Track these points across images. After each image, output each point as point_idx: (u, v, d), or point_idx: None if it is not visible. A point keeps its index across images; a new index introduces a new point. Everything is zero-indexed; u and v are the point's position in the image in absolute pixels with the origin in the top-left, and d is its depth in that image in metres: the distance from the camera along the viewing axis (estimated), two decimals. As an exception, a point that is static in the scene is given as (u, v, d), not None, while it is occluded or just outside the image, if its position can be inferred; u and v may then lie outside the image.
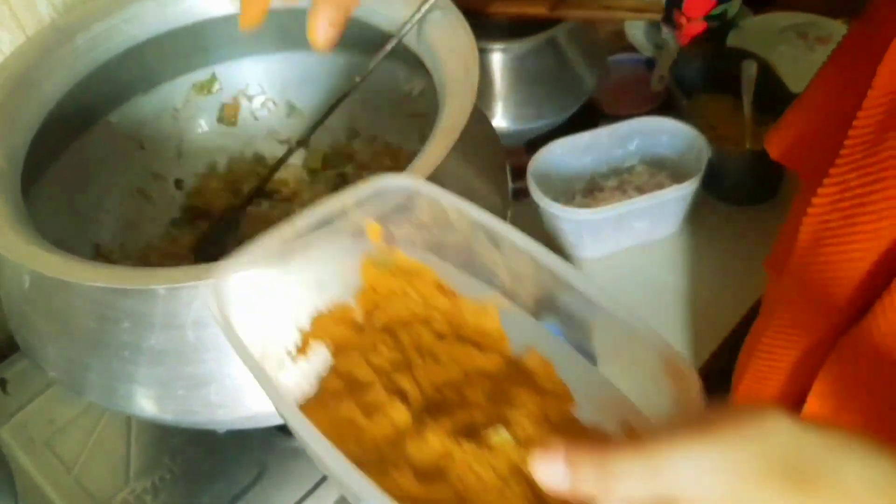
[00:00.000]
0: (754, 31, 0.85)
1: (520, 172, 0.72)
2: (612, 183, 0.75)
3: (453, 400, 0.34)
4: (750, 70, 0.78)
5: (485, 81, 0.72)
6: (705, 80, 0.81)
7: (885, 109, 0.39)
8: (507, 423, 0.31)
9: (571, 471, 0.25)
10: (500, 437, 0.31)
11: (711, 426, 0.25)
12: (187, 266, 0.41)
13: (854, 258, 0.41)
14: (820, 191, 0.42)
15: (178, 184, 0.65)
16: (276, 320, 0.36)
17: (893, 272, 0.39)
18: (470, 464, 0.30)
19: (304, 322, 0.37)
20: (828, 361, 0.45)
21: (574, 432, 0.33)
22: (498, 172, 0.52)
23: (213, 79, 0.65)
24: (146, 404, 0.43)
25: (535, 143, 0.75)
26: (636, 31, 0.89)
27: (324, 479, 0.51)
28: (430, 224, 0.38)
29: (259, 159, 0.67)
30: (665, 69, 0.81)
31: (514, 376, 0.35)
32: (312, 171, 0.67)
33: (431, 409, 0.34)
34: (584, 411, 0.33)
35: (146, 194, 0.64)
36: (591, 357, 0.34)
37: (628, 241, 0.74)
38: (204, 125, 0.66)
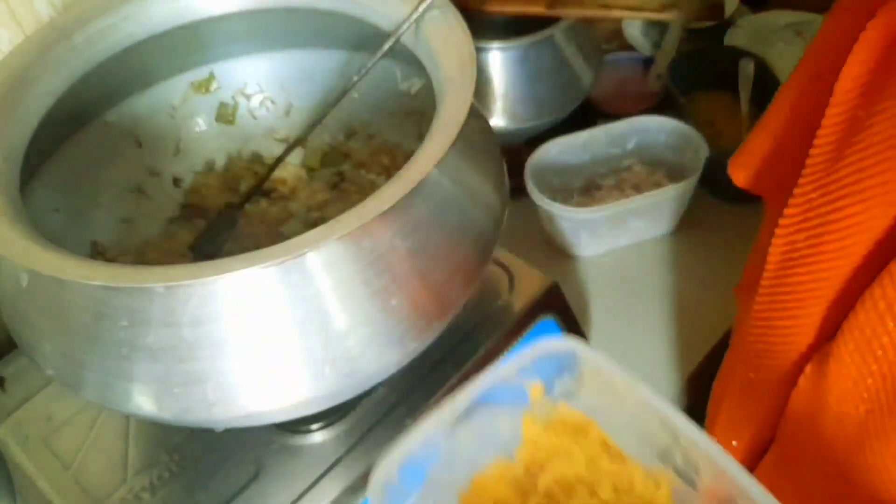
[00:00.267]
0: (752, 30, 0.85)
1: (518, 170, 0.72)
2: (609, 181, 0.76)
3: None
4: (747, 68, 0.78)
5: (483, 80, 0.73)
6: (703, 78, 0.81)
7: (843, 127, 0.39)
8: None
9: None
10: None
11: None
12: (185, 264, 0.41)
13: (822, 278, 0.41)
14: (786, 211, 0.42)
15: (176, 181, 0.65)
16: (434, 489, 0.37)
17: (861, 291, 0.38)
18: None
19: (465, 485, 0.37)
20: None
21: None
22: (496, 170, 0.52)
23: (212, 77, 0.65)
24: (143, 402, 0.43)
25: (534, 141, 0.75)
26: (634, 30, 0.89)
27: (322, 476, 0.51)
28: (595, 385, 0.39)
29: (257, 158, 0.67)
30: (662, 68, 0.81)
31: None
32: (310, 170, 0.67)
33: None
34: None
35: (143, 192, 0.63)
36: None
37: (626, 239, 0.74)
38: (202, 123, 0.66)
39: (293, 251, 0.40)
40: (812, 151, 0.40)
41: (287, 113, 0.67)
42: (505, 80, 0.74)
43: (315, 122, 0.59)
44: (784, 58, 0.84)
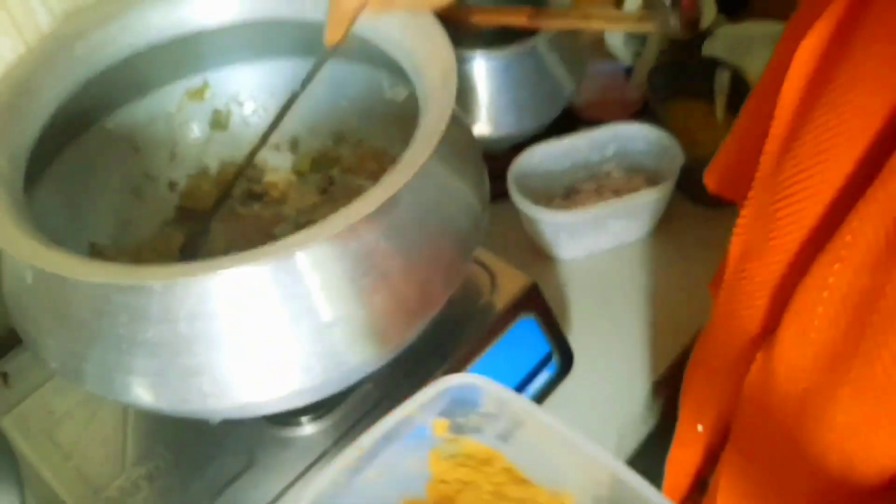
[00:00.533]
0: (728, 40, 0.88)
1: (502, 175, 0.75)
2: (590, 186, 0.78)
3: None
4: (723, 78, 0.81)
5: (468, 88, 0.75)
6: (681, 87, 0.84)
7: (784, 136, 0.42)
8: None
9: None
10: None
11: None
12: (181, 263, 0.44)
13: (771, 270, 0.44)
14: (741, 212, 0.46)
15: (171, 185, 0.67)
16: None
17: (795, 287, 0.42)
18: None
19: None
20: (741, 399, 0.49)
21: None
22: (477, 175, 0.54)
23: (206, 86, 0.67)
24: (142, 394, 0.45)
25: (518, 147, 0.77)
26: (615, 40, 0.92)
27: (310, 466, 0.54)
28: (498, 415, 0.40)
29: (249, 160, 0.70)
30: (642, 76, 0.84)
31: None
32: (301, 175, 0.69)
33: None
34: None
35: (140, 195, 0.66)
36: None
37: (605, 242, 0.77)
38: (196, 130, 0.68)
39: (283, 250, 0.42)
40: (761, 158, 0.43)
41: (279, 120, 0.70)
42: (489, 88, 0.76)
43: (273, 125, 0.61)
44: (759, 67, 0.87)
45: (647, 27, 0.71)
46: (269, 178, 0.69)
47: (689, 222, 0.79)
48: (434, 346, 0.58)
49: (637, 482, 0.35)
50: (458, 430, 0.40)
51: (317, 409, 0.55)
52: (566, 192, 0.79)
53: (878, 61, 0.36)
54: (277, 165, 0.70)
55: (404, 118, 0.64)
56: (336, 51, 0.55)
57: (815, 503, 0.44)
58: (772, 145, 0.43)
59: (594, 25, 0.74)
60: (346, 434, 0.55)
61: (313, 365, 0.46)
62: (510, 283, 0.62)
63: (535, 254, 0.77)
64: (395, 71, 0.56)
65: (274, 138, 0.69)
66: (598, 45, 0.94)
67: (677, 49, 0.86)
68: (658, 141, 0.77)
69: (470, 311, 0.61)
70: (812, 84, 0.41)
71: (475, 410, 0.39)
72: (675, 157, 0.74)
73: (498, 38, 0.76)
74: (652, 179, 0.77)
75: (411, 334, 0.49)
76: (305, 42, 0.64)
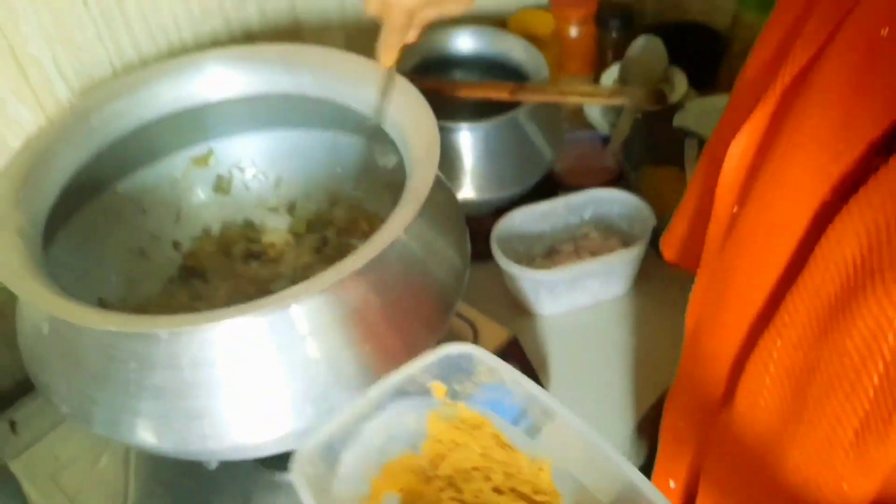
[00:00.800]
0: (698, 112, 0.93)
1: (486, 237, 0.79)
2: (568, 247, 0.83)
3: None
4: (692, 147, 0.87)
5: (454, 156, 0.80)
6: (653, 155, 0.89)
7: (725, 221, 0.47)
8: None
9: None
10: None
11: None
12: (186, 314, 0.48)
13: (724, 336, 0.48)
14: (694, 286, 0.50)
15: (176, 245, 0.72)
16: (349, 474, 0.42)
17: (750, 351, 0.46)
18: None
19: (376, 471, 0.43)
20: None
21: None
22: (458, 234, 0.59)
23: (210, 153, 0.72)
24: (147, 435, 0.49)
25: (501, 211, 0.82)
26: (593, 111, 0.98)
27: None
28: (489, 384, 0.45)
29: (249, 224, 0.74)
30: (617, 145, 0.90)
31: None
32: (297, 235, 0.74)
33: None
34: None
35: (146, 255, 0.70)
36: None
37: (583, 299, 0.81)
38: (201, 194, 0.72)
39: (279, 303, 0.46)
40: (707, 238, 0.48)
41: (277, 185, 0.75)
42: (474, 156, 0.81)
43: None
44: (728, 137, 0.93)
45: (619, 101, 0.77)
46: (268, 238, 0.74)
47: (663, 281, 0.83)
48: (419, 395, 0.61)
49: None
50: (454, 396, 0.45)
51: (308, 454, 0.59)
52: (546, 252, 0.83)
53: (799, 170, 0.41)
54: (275, 227, 0.74)
55: (394, 184, 0.69)
56: (396, 71, 0.60)
57: None
58: (714, 227, 0.48)
59: (570, 100, 0.80)
60: (335, 478, 0.58)
61: (306, 409, 0.49)
62: (491, 336, 0.67)
63: (517, 311, 0.82)
64: (386, 141, 0.61)
65: (272, 202, 0.75)
66: (577, 115, 1.00)
67: (651, 120, 0.92)
68: (632, 205, 0.82)
69: (453, 362, 0.65)
70: (747, 175, 0.45)
71: (470, 378, 0.45)
72: (648, 221, 0.79)
73: (482, 110, 0.82)
74: (627, 241, 0.82)
75: (397, 382, 0.53)
76: (303, 114, 0.70)
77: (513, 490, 0.43)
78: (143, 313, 0.65)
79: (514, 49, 0.87)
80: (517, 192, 0.84)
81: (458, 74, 0.91)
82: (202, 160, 0.72)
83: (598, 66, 1.05)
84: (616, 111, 0.96)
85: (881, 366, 0.35)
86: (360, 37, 0.90)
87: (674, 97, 0.93)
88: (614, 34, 1.04)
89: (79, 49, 0.69)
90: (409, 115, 0.59)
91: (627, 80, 0.97)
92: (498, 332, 0.67)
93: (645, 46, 0.97)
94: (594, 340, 0.79)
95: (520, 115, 0.81)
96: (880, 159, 0.36)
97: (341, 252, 0.71)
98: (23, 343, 0.54)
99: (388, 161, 0.69)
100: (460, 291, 0.57)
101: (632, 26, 1.05)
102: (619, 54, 1.01)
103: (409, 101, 0.60)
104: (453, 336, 0.66)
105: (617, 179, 0.90)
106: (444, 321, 0.55)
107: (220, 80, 0.66)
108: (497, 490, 0.43)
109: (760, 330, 0.44)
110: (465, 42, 0.89)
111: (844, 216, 0.37)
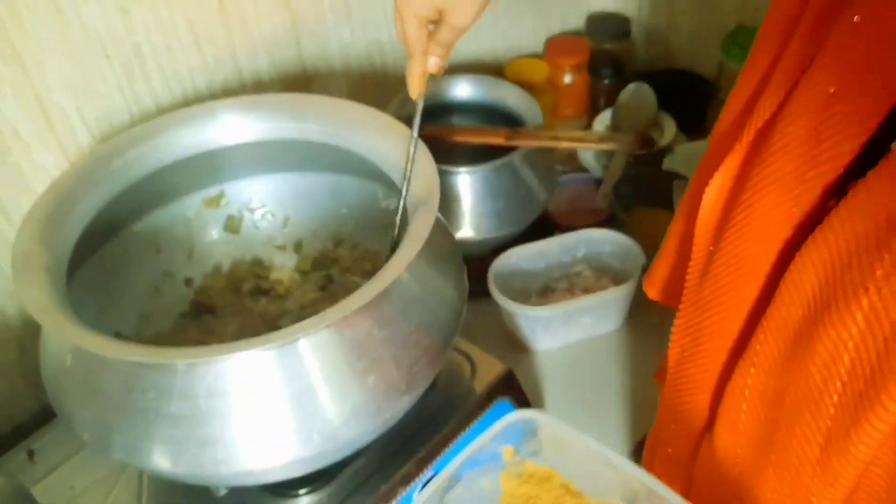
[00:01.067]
0: (686, 156, 0.97)
1: (484, 275, 0.83)
2: (562, 285, 0.86)
3: None
4: (680, 189, 0.90)
5: (453, 198, 0.84)
6: (643, 197, 0.93)
7: (703, 261, 0.51)
8: None
9: None
10: None
11: None
12: (202, 346, 0.51)
13: (705, 370, 0.52)
14: (675, 321, 0.54)
15: (188, 282, 0.75)
16: None
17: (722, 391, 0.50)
18: None
19: None
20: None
21: None
22: (457, 273, 0.62)
23: (222, 194, 0.75)
24: (163, 461, 0.51)
25: (498, 250, 0.86)
26: (587, 154, 1.02)
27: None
28: (553, 442, 0.51)
29: (257, 262, 0.78)
30: (609, 188, 0.94)
31: None
32: (303, 273, 0.77)
33: None
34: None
35: (159, 290, 0.73)
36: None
37: (577, 334, 0.84)
38: (213, 233, 0.75)
39: (288, 337, 0.50)
40: (687, 276, 0.52)
41: (285, 224, 0.78)
42: (472, 198, 0.84)
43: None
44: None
45: (608, 146, 0.82)
46: (275, 275, 0.77)
47: (653, 317, 0.86)
48: (421, 424, 0.64)
49: (662, 489, 0.45)
50: (521, 454, 0.51)
51: (314, 482, 0.61)
52: (541, 289, 0.87)
53: (765, 212, 0.45)
54: (283, 264, 0.78)
55: (395, 224, 0.73)
56: (423, 100, 0.63)
57: None
58: (693, 266, 0.52)
59: (562, 145, 0.84)
60: (339, 505, 0.61)
61: (312, 438, 0.52)
62: (489, 370, 0.70)
63: (514, 346, 0.85)
64: (389, 184, 0.65)
65: (280, 240, 0.78)
66: (572, 158, 1.04)
67: (641, 163, 0.96)
68: (623, 245, 0.85)
69: (453, 394, 0.68)
70: (721, 217, 0.50)
71: (534, 438, 0.50)
72: (638, 260, 0.83)
73: (480, 154, 0.86)
74: (618, 279, 0.85)
75: (399, 411, 0.56)
76: (309, 158, 0.74)
77: None
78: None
79: (510, 96, 0.91)
80: (513, 232, 0.87)
81: (457, 119, 0.95)
82: (214, 201, 0.75)
83: (591, 112, 1.10)
84: (608, 154, 1.00)
85: (839, 385, 0.39)
86: (361, 85, 0.95)
87: (662, 141, 0.97)
88: (606, 81, 1.09)
89: (100, 98, 0.73)
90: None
91: (619, 125, 1.01)
92: (495, 366, 0.69)
93: (635, 93, 1.02)
94: (588, 374, 0.82)
95: (515, 159, 0.85)
96: (833, 201, 0.40)
97: (345, 289, 0.75)
98: (46, 374, 0.57)
99: (391, 203, 0.73)
100: (458, 327, 0.60)
101: (623, 73, 1.10)
102: (611, 100, 1.06)
103: (412, 149, 0.63)
104: (453, 370, 0.69)
105: (608, 220, 0.94)
106: (443, 355, 0.58)
107: (232, 126, 0.69)
108: None
109: (736, 359, 0.48)
110: (463, 89, 0.93)
111: (804, 253, 0.41)
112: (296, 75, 0.88)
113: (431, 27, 0.58)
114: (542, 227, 0.91)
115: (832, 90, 0.40)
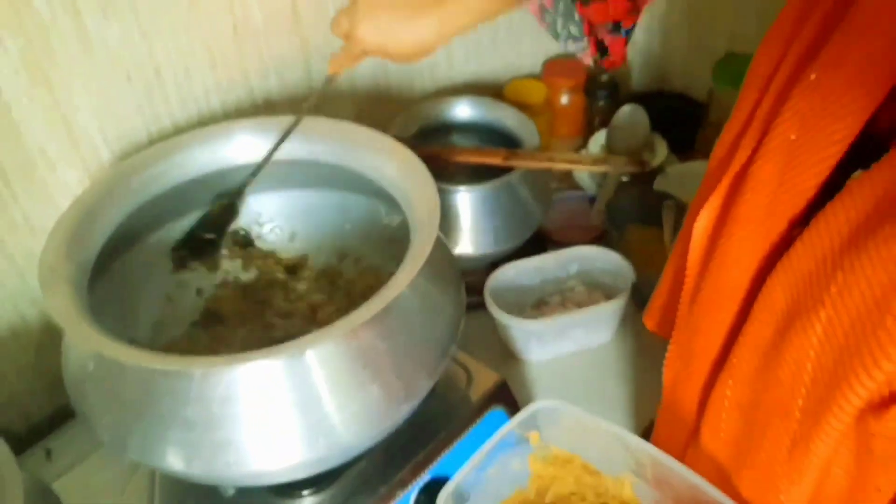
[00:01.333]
0: (677, 177, 1.01)
1: (480, 289, 0.86)
2: (556, 299, 0.90)
3: None
4: (670, 209, 0.94)
5: (452, 216, 0.87)
6: (635, 215, 0.97)
7: (692, 291, 0.56)
8: None
9: None
10: None
11: None
12: (216, 356, 0.55)
13: (694, 390, 0.57)
14: (669, 346, 0.59)
15: (199, 292, 0.78)
16: None
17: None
18: None
19: None
20: None
21: None
22: (455, 288, 0.66)
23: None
24: (177, 462, 0.55)
25: (495, 265, 0.89)
26: (582, 173, 1.06)
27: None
28: (573, 427, 0.58)
29: (265, 274, 0.82)
30: (602, 206, 0.97)
31: None
32: (309, 285, 0.81)
33: None
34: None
35: (173, 300, 0.76)
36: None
37: (569, 347, 0.88)
38: (223, 245, 0.79)
39: (297, 348, 0.53)
40: (679, 305, 0.56)
41: (291, 239, 0.82)
42: (471, 215, 0.88)
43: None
44: (704, 199, 1.01)
45: (602, 168, 0.85)
46: (282, 287, 0.81)
47: (642, 331, 0.89)
48: (419, 430, 0.67)
49: (666, 458, 0.53)
50: (546, 439, 0.59)
51: (317, 483, 0.64)
52: (536, 303, 0.90)
53: (741, 243, 0.50)
54: (288, 277, 0.81)
55: (397, 240, 0.76)
56: (333, 80, 0.70)
57: None
58: (685, 295, 0.57)
59: (558, 166, 0.87)
60: (341, 506, 0.65)
61: (318, 441, 0.55)
62: (484, 379, 0.73)
63: (508, 357, 0.88)
64: (391, 202, 0.68)
65: (287, 255, 0.82)
66: (567, 176, 1.07)
67: (634, 183, 1.00)
68: (614, 262, 0.89)
69: (450, 402, 0.71)
70: (707, 248, 0.54)
71: (557, 424, 0.58)
72: (628, 276, 0.86)
73: (479, 173, 0.89)
74: (609, 294, 0.89)
75: (400, 417, 0.59)
76: (316, 177, 0.77)
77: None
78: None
79: (508, 117, 0.95)
80: (509, 248, 0.91)
81: (457, 139, 0.99)
82: (226, 216, 0.79)
83: (587, 131, 1.14)
84: (602, 174, 1.04)
85: (804, 390, 0.44)
86: (367, 106, 0.99)
87: (654, 162, 1.01)
88: (601, 102, 1.13)
89: (121, 118, 0.77)
90: (411, 179, 0.66)
91: (613, 145, 1.05)
92: (490, 376, 0.73)
93: (630, 114, 1.05)
94: (579, 384, 0.85)
95: (513, 178, 0.88)
96: (798, 230, 0.45)
97: (350, 302, 0.78)
98: (68, 379, 0.61)
99: (393, 220, 0.76)
100: (456, 339, 0.64)
101: (618, 95, 1.14)
102: (605, 120, 1.09)
103: (411, 166, 0.67)
104: (450, 379, 0.73)
105: (601, 237, 0.97)
106: (441, 365, 0.62)
107: (246, 146, 0.73)
108: None
109: (718, 374, 0.52)
110: (462, 110, 0.97)
111: (773, 276, 0.46)
112: (305, 97, 0.91)
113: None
114: (537, 244, 0.94)
115: (793, 137, 0.45)
